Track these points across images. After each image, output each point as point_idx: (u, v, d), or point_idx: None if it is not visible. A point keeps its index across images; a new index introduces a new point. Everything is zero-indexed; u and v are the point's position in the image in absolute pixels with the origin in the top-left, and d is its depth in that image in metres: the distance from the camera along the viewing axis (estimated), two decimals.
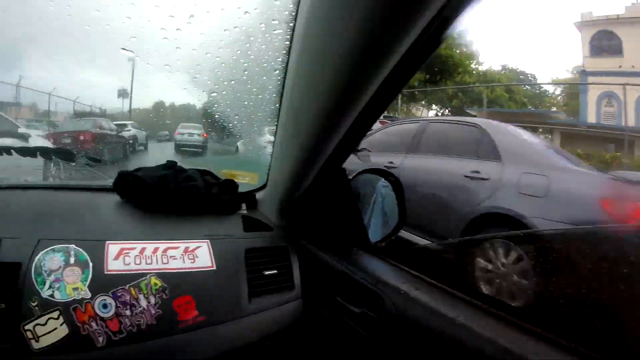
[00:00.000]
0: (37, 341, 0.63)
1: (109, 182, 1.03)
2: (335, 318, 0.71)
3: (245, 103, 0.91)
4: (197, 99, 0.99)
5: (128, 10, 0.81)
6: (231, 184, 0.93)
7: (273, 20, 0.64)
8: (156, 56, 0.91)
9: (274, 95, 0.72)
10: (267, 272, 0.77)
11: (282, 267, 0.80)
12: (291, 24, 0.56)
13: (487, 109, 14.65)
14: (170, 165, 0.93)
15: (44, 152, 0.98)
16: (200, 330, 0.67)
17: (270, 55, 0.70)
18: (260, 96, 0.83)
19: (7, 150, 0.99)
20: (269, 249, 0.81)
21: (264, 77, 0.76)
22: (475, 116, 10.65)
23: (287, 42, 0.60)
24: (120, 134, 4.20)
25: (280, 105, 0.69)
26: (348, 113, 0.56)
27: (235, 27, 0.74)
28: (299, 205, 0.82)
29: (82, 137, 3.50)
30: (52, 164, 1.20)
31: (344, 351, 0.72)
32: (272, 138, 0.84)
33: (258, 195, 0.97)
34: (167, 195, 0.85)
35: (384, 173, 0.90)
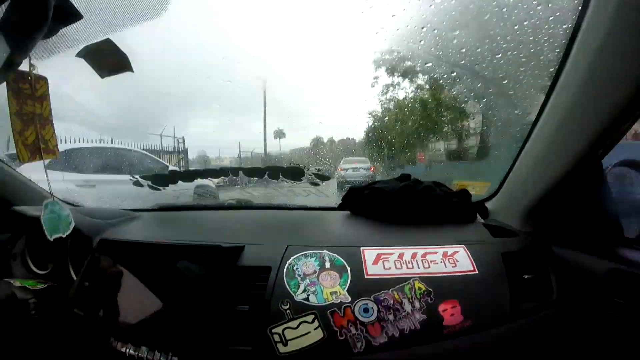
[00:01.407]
0: (285, 345, 0.62)
1: (329, 202, 1.09)
2: (606, 320, 0.64)
3: (514, 101, 0.87)
4: (463, 101, 0.97)
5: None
6: (466, 194, 0.91)
7: (558, 12, 0.63)
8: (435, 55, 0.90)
9: (542, 92, 0.67)
10: (526, 276, 0.71)
11: (538, 271, 0.73)
12: (575, 16, 0.55)
13: None
14: (406, 177, 0.94)
15: (273, 171, 0.99)
16: (465, 336, 0.62)
17: (548, 48, 0.66)
18: (527, 93, 0.80)
19: (234, 170, 1.01)
20: (524, 253, 0.74)
21: (536, 72, 0.74)
22: None
23: (569, 36, 0.57)
24: None
25: (544, 104, 0.66)
26: (625, 110, 0.51)
27: (525, 22, 0.73)
28: (545, 209, 0.77)
29: None
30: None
31: (622, 352, 0.63)
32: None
33: (488, 204, 0.93)
34: (411, 204, 0.84)
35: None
